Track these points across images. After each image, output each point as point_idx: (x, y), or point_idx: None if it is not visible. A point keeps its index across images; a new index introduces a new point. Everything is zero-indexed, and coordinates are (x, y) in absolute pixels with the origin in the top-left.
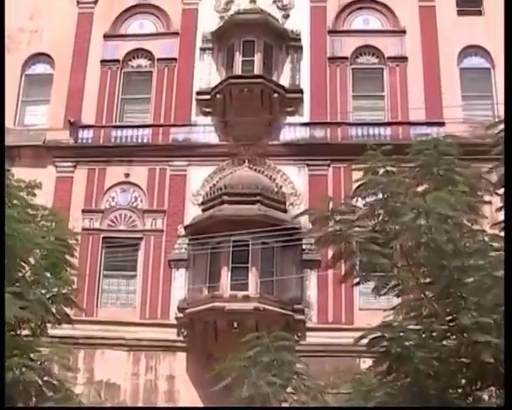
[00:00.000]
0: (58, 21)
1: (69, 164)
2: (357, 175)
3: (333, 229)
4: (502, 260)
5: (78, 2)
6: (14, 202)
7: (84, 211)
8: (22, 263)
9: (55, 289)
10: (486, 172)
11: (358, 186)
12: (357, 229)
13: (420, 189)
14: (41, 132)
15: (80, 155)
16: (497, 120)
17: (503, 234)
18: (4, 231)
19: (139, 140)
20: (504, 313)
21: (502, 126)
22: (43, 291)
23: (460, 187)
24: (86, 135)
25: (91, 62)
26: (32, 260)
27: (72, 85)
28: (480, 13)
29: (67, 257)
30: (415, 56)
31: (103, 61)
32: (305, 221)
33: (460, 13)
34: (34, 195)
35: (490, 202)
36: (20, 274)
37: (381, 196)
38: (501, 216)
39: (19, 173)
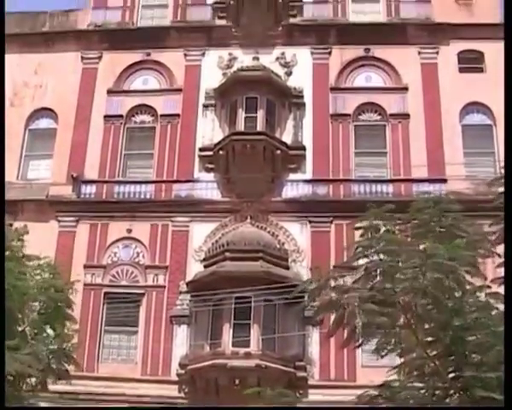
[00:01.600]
0: (62, 76)
1: (72, 219)
2: (358, 234)
3: (330, 297)
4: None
5: (82, 58)
6: (7, 253)
7: (86, 266)
8: (21, 317)
9: (55, 345)
10: (489, 228)
11: (358, 246)
12: (354, 294)
13: (421, 247)
14: (44, 187)
15: (83, 210)
16: (499, 176)
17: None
18: (4, 286)
19: (142, 196)
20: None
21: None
22: (43, 347)
23: (460, 243)
24: (89, 190)
25: (95, 117)
26: (30, 315)
27: (76, 140)
28: (481, 70)
29: (67, 310)
30: (417, 113)
31: (107, 117)
32: (307, 278)
33: (462, 70)
34: (22, 241)
35: (492, 256)
36: (20, 329)
37: (380, 255)
38: (502, 272)
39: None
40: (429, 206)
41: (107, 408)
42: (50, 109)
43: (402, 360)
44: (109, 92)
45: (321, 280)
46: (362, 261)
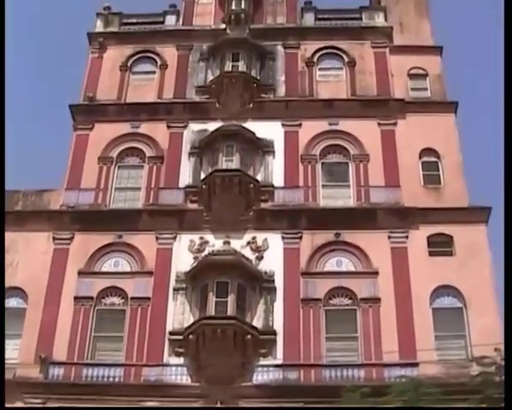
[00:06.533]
0: (33, 256)
1: (39, 401)
2: None
3: None
4: None
5: (54, 238)
6: None
7: None
8: None
9: None
10: None
11: None
12: None
13: None
14: (11, 367)
15: (50, 393)
16: (470, 359)
17: None
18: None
19: (110, 379)
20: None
21: (475, 366)
22: None
23: None
24: (57, 372)
25: (65, 298)
26: None
27: (45, 321)
28: (451, 253)
29: None
30: (388, 297)
31: (77, 298)
32: None
33: (431, 253)
34: None
35: None
36: None
37: None
38: None
39: None
40: (408, 390)
41: (107, 408)
42: (20, 289)
43: None
44: (80, 273)
45: None
46: None
